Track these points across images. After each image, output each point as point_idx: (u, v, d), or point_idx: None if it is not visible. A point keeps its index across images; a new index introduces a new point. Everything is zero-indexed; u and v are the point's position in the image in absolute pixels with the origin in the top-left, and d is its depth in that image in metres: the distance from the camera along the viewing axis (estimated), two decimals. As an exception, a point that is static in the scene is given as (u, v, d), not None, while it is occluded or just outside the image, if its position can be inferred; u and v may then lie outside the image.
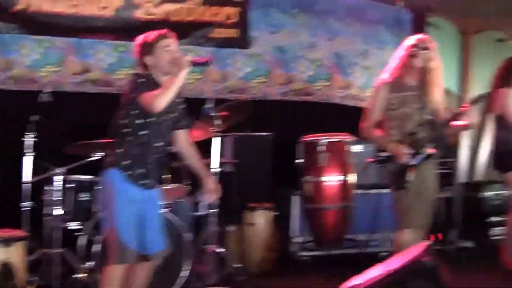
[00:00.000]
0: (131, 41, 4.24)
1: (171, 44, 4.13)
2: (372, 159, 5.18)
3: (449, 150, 7.39)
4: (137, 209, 4.08)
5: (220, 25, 7.22)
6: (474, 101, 5.12)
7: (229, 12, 7.27)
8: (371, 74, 8.06)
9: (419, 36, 5.10)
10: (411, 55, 4.95)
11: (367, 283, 4.14)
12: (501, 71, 6.03)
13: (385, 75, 5.10)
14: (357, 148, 6.57)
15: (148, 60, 4.11)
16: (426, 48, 4.96)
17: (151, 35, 4.14)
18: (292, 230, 6.57)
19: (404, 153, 4.86)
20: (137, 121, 4.06)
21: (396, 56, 5.07)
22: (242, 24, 7.34)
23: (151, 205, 4.21)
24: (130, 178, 4.04)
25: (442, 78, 5.04)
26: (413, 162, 4.91)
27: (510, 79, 5.99)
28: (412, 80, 5.01)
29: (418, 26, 8.20)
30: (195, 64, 4.03)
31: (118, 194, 4.03)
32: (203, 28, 7.15)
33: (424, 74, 4.99)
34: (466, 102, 8.13)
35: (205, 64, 4.19)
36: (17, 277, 4.01)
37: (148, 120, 4.04)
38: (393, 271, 4.10)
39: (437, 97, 5.03)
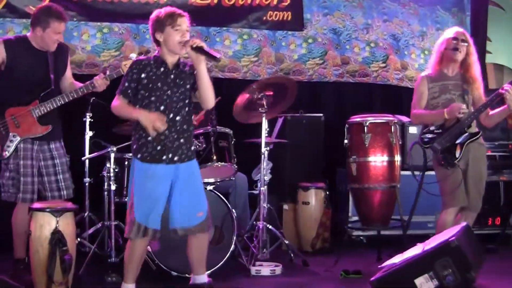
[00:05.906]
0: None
1: (182, 24, 4.09)
2: (417, 141, 5.24)
3: (508, 132, 7.26)
4: (158, 185, 4.12)
5: (274, 7, 7.31)
6: None
7: (281, -6, 7.36)
8: (429, 55, 7.98)
9: (457, 29, 5.30)
10: (453, 48, 5.14)
11: (400, 263, 4.25)
12: None
13: (426, 71, 5.36)
14: (412, 129, 6.65)
15: (158, 36, 4.12)
16: (465, 41, 5.18)
17: (163, 11, 4.12)
18: (346, 209, 6.60)
19: (461, 107, 4.99)
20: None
21: (435, 50, 5.29)
22: (295, 6, 7.41)
23: (181, 179, 4.18)
24: (143, 159, 4.11)
25: (479, 74, 5.26)
26: (460, 140, 5.06)
27: None
28: (450, 71, 5.22)
29: (481, 5, 8.11)
30: (205, 53, 4.01)
31: (135, 175, 4.14)
32: (257, 11, 7.27)
33: (462, 69, 5.21)
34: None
35: (214, 59, 4.11)
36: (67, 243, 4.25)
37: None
38: (426, 251, 4.20)
39: (478, 90, 5.21)
